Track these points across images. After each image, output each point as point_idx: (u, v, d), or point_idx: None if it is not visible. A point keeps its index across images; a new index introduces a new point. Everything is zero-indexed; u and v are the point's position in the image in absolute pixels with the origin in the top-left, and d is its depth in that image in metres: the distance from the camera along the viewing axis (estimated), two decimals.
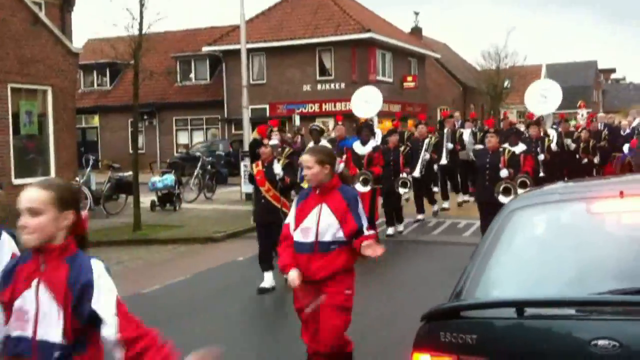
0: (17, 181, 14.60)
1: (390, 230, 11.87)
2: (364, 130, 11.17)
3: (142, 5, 13.20)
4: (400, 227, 12.14)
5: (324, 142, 11.86)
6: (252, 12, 32.88)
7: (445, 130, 14.92)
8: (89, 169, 16.80)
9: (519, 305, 2.65)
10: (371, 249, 4.35)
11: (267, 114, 30.57)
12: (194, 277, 9.44)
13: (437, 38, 44.73)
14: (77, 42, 21.99)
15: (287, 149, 10.80)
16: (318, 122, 24.25)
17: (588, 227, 3.14)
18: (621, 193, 2.98)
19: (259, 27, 31.28)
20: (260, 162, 8.45)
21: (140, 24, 13.27)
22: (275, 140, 9.37)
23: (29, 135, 15.39)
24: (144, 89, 24.42)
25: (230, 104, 31.41)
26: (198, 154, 23.88)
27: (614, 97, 65.17)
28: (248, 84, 19.02)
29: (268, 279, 8.29)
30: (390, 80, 32.88)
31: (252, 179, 8.64)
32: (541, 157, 12.18)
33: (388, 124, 20.60)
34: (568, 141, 14.57)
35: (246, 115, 18.37)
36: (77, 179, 15.74)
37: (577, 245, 3.07)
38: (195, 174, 19.30)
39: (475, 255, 3.15)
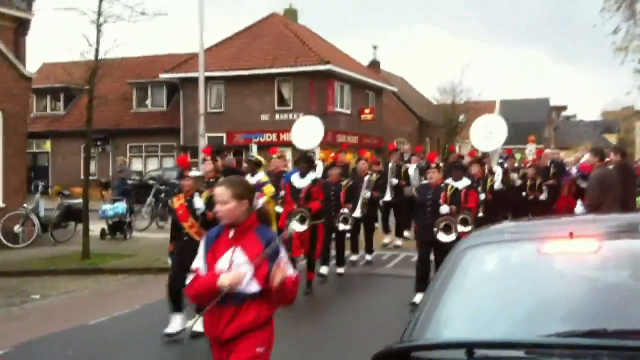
0: None
1: (340, 270, 11.27)
2: (301, 162, 10.36)
3: (99, 31, 13.03)
4: (341, 270, 11.34)
5: (261, 175, 11.31)
6: (212, 41, 32.93)
7: (390, 165, 14.20)
8: (38, 195, 16.36)
9: (469, 347, 2.61)
10: (279, 273, 3.75)
11: (225, 142, 30.43)
12: (143, 309, 9.19)
13: (395, 72, 45.46)
14: (32, 65, 21.61)
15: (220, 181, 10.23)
16: (280, 152, 24.23)
17: (539, 267, 3.13)
18: (571, 234, 3.00)
19: (219, 56, 31.29)
20: (182, 196, 7.67)
21: (97, 50, 13.09)
22: (197, 172, 8.09)
23: None
24: (99, 114, 24.10)
25: (187, 131, 31.18)
26: (151, 181, 23.52)
27: (565, 134, 67.01)
28: (206, 112, 18.92)
29: (176, 323, 7.45)
30: (349, 112, 33.17)
31: (172, 213, 7.79)
32: (482, 196, 11.29)
33: (349, 156, 20.67)
34: (514, 177, 14.07)
35: (203, 144, 18.20)
36: (26, 205, 15.32)
37: (528, 285, 3.07)
38: (147, 202, 18.97)
39: (427, 294, 3.12)
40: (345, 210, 10.71)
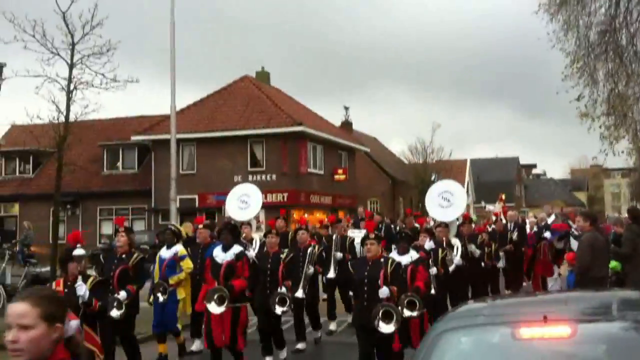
0: None
1: (281, 355, 9.66)
2: (224, 232, 8.88)
3: (69, 98, 12.97)
4: (283, 354, 9.69)
5: (178, 247, 9.99)
6: (184, 102, 33.02)
7: (334, 237, 12.32)
8: (4, 263, 15.91)
9: None
10: None
11: (197, 204, 30.19)
12: None
13: (366, 131, 45.99)
14: (0, 128, 21.38)
15: (134, 256, 8.77)
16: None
17: (514, 352, 3.17)
18: (545, 318, 2.97)
19: (191, 117, 31.36)
20: (62, 279, 6.56)
21: (67, 117, 13.01)
22: (80, 250, 6.79)
23: None
24: (68, 177, 23.77)
25: (158, 193, 30.88)
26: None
27: (534, 192, 67.94)
28: (177, 174, 18.82)
29: None
30: (321, 172, 33.28)
31: None
32: (433, 270, 9.51)
33: (319, 217, 20.50)
34: (472, 247, 12.25)
35: (174, 207, 18.03)
36: None
37: None
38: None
39: None
40: (283, 289, 9.03)
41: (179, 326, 10.19)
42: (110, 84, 13.41)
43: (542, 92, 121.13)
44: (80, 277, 6.46)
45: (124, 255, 8.72)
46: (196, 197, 30.68)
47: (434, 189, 13.11)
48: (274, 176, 30.61)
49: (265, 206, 29.28)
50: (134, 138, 32.43)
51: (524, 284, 15.83)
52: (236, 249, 8.68)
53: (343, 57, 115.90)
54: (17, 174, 35.56)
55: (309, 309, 10.98)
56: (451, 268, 10.47)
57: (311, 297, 10.82)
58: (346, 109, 42.11)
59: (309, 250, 10.61)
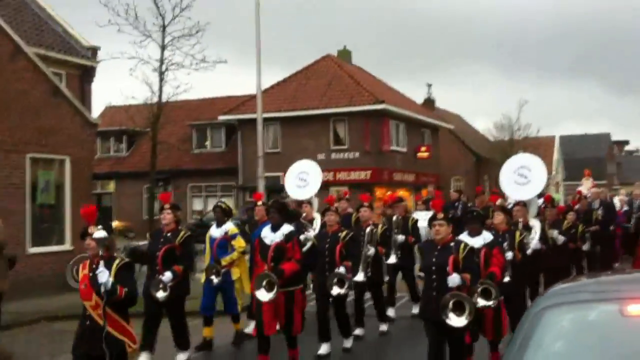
0: (32, 250, 14.68)
1: (346, 344, 8.95)
2: (271, 211, 8.12)
3: (161, 79, 13.52)
4: (348, 343, 9.03)
5: (229, 225, 9.45)
6: (267, 82, 33.56)
7: (395, 218, 11.20)
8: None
9: None
10: None
11: (281, 182, 30.73)
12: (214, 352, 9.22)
13: (450, 109, 45.31)
14: (95, 108, 22.47)
15: (182, 234, 8.29)
16: (333, 190, 24.34)
17: (621, 330, 3.02)
18: None
19: (275, 97, 31.85)
20: (87, 263, 5.82)
21: (160, 97, 13.58)
22: (101, 232, 5.67)
23: (46, 204, 15.53)
24: (160, 155, 24.74)
25: (245, 171, 31.71)
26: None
27: (627, 169, 65.08)
28: (263, 152, 19.24)
29: None
30: (404, 150, 33.15)
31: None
32: (509, 255, 8.51)
33: (405, 194, 20.45)
34: (554, 234, 11.11)
35: (261, 185, 18.51)
36: None
37: (608, 349, 2.98)
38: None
39: (506, 356, 3.08)
40: (341, 269, 8.37)
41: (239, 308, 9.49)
42: (199, 65, 13.88)
43: (635, 67, 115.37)
44: (102, 263, 5.56)
45: (169, 234, 8.23)
46: (281, 174, 31.18)
47: (510, 164, 11.64)
48: (356, 154, 30.77)
49: (348, 184, 29.77)
50: (221, 118, 33.32)
51: (616, 264, 14.74)
52: (285, 228, 7.89)
53: (425, 34, 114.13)
54: (112, 152, 37.25)
55: (374, 295, 10.13)
56: (528, 252, 9.28)
57: (375, 280, 9.85)
58: (429, 86, 41.72)
59: (368, 229, 9.71)
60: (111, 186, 36.61)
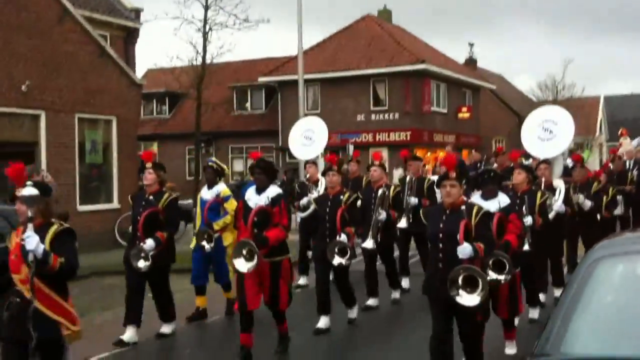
0: (81, 208, 15.18)
1: (351, 314, 8.28)
2: (256, 171, 6.99)
3: (205, 39, 13.67)
4: (353, 313, 8.31)
5: (222, 187, 8.71)
6: (307, 43, 33.43)
7: (408, 178, 9.96)
8: None
9: None
10: None
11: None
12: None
13: (491, 69, 44.56)
14: (138, 70, 22.76)
15: (165, 196, 7.54)
16: (372, 152, 24.35)
17: None
18: None
19: (314, 59, 31.76)
20: (20, 230, 4.69)
21: (204, 57, 13.75)
22: (31, 189, 4.57)
23: (94, 164, 15.98)
24: (202, 118, 25.08)
25: (285, 133, 31.81)
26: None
27: None
28: (303, 114, 19.35)
29: None
30: (445, 111, 32.87)
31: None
32: (528, 220, 7.60)
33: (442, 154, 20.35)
34: (580, 198, 9.84)
35: None
36: None
37: None
38: None
39: (559, 306, 3.08)
40: (342, 237, 7.53)
41: (231, 276, 8.48)
42: (242, 25, 13.96)
43: None
44: (30, 227, 4.45)
45: (151, 196, 7.43)
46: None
47: (533, 116, 10.29)
48: (396, 115, 30.64)
49: (388, 145, 29.72)
50: (261, 79, 33.43)
51: None
52: (272, 191, 6.88)
53: None
54: (155, 114, 37.80)
55: (385, 260, 9.34)
56: (551, 215, 8.36)
57: (387, 246, 9.13)
58: (470, 45, 40.92)
59: (380, 192, 8.78)
60: (154, 148, 37.24)
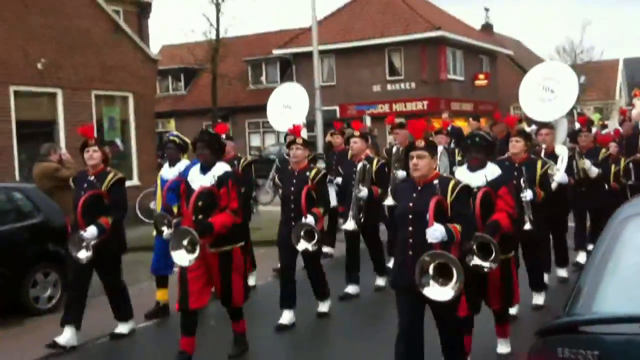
0: None
1: (322, 307, 7.32)
2: (199, 146, 5.89)
3: (218, 10, 13.48)
4: (324, 307, 7.34)
5: (185, 163, 7.17)
6: (320, 14, 33.06)
7: (395, 149, 8.76)
8: None
9: None
10: None
11: (338, 115, 30.66)
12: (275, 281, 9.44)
13: (508, 34, 43.87)
14: (153, 48, 22.65)
15: (110, 176, 6.51)
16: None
17: None
18: None
19: (328, 29, 31.41)
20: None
21: (217, 29, 13.60)
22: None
23: (112, 141, 15.96)
24: (218, 93, 24.98)
25: None
26: (272, 156, 24.14)
27: None
28: (319, 86, 19.15)
29: None
30: (462, 78, 32.46)
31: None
32: (527, 194, 6.51)
33: (461, 123, 20.03)
34: (586, 164, 8.53)
35: (319, 117, 18.49)
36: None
37: None
38: (270, 176, 19.46)
39: (588, 267, 3.05)
40: (309, 219, 6.57)
41: None
42: None
43: None
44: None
45: (94, 177, 6.48)
46: (337, 108, 31.11)
47: (532, 75, 9.18)
48: (413, 84, 30.31)
49: (405, 115, 29.48)
50: (276, 52, 33.15)
51: None
52: (219, 169, 5.86)
53: None
54: (171, 91, 37.72)
55: (369, 243, 8.28)
56: (553, 186, 7.38)
57: (370, 227, 8.03)
58: (486, 10, 40.28)
59: (360, 165, 7.74)
60: (172, 124, 37.19)
